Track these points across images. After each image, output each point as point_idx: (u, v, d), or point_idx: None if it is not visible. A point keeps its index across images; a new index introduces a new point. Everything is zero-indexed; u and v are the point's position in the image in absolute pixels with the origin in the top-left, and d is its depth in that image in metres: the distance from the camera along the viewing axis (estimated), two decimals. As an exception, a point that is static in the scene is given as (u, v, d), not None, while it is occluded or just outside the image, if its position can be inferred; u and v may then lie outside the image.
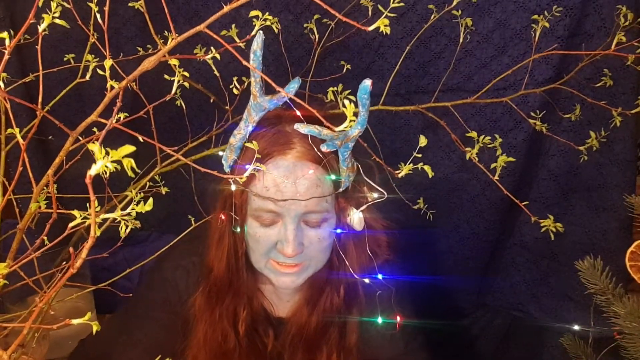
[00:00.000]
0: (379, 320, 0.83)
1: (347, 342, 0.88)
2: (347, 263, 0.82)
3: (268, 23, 0.79)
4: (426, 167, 0.67)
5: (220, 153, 0.80)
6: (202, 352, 0.87)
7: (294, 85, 0.67)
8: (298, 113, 0.53)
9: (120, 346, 0.90)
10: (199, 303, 0.87)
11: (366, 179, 0.77)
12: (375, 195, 0.76)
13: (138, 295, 0.93)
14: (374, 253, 0.83)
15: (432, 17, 1.04)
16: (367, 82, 0.62)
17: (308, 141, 0.74)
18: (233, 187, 0.71)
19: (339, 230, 0.81)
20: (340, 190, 0.78)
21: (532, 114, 1.04)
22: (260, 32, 0.63)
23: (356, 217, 0.79)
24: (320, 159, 0.74)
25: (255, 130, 0.75)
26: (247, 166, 0.72)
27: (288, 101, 0.48)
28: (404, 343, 0.91)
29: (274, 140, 0.75)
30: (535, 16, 0.99)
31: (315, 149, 0.74)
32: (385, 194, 0.74)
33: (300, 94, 0.91)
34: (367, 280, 0.80)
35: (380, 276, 0.80)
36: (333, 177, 0.76)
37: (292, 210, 0.74)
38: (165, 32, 0.95)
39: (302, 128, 0.68)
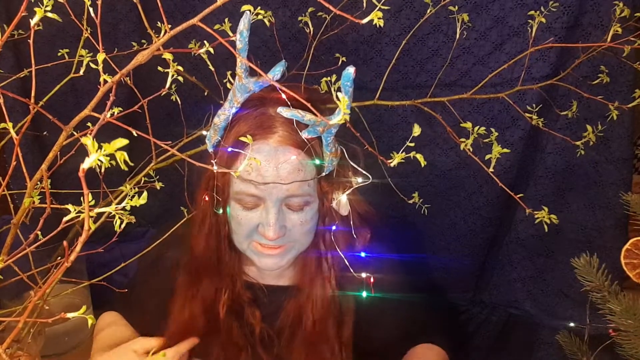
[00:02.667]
0: (364, 294, 0.83)
1: (347, 320, 0.88)
2: (334, 246, 0.82)
3: (260, 17, 0.79)
4: (418, 156, 0.67)
5: (205, 133, 0.80)
6: (173, 329, 0.88)
7: (279, 68, 0.66)
8: (283, 96, 0.52)
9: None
10: (179, 281, 0.89)
11: (351, 162, 0.76)
12: (360, 179, 0.76)
13: (129, 292, 0.94)
14: (359, 234, 0.83)
15: (429, 11, 1.04)
16: (350, 70, 0.62)
17: (291, 125, 0.74)
18: (215, 168, 0.71)
19: (334, 228, 0.81)
20: (323, 174, 0.78)
21: (529, 108, 1.04)
22: (247, 12, 0.63)
23: (342, 201, 0.79)
24: (303, 143, 0.74)
25: (239, 112, 0.75)
26: (229, 149, 0.73)
27: (273, 83, 0.48)
28: (405, 312, 0.92)
29: (256, 123, 0.75)
30: (532, 12, 0.99)
31: (299, 133, 0.73)
32: (370, 177, 0.74)
33: (296, 87, 0.91)
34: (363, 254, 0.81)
35: (363, 254, 0.81)
36: (316, 161, 0.75)
37: (273, 194, 0.74)
38: (159, 24, 0.94)
39: (285, 112, 0.67)
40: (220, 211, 0.79)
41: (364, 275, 0.81)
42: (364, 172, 0.75)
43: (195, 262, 0.86)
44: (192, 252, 0.86)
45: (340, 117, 0.66)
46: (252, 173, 0.73)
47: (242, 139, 0.67)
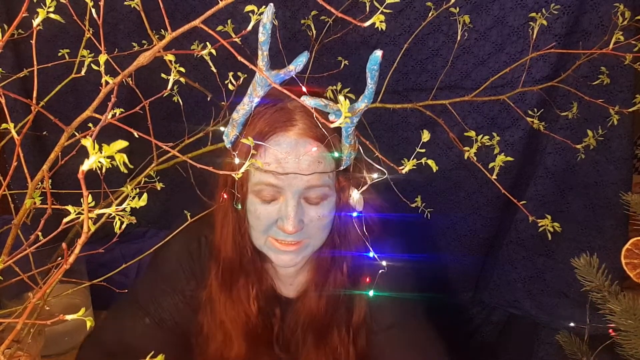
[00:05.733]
0: (370, 293, 0.84)
1: (355, 318, 0.89)
2: (348, 241, 0.82)
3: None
4: (430, 162, 0.67)
5: (222, 129, 0.80)
6: (234, 333, 0.87)
7: (301, 59, 0.66)
8: (304, 89, 0.52)
9: (143, 328, 0.90)
10: (214, 286, 0.87)
11: (366, 158, 0.76)
12: (375, 175, 0.75)
13: (152, 272, 0.93)
14: (371, 230, 0.83)
15: (430, 14, 1.04)
16: (378, 53, 0.61)
17: (310, 118, 0.74)
18: (237, 160, 0.71)
19: (354, 214, 0.81)
20: (341, 168, 0.78)
21: (530, 111, 1.04)
22: (271, 4, 0.62)
23: (357, 197, 0.79)
24: (323, 136, 0.74)
25: (258, 106, 0.75)
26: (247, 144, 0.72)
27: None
28: (410, 308, 0.92)
29: (275, 117, 0.75)
30: (533, 14, 0.99)
31: (319, 126, 0.73)
32: (386, 172, 0.74)
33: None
34: (371, 254, 0.80)
35: (372, 254, 0.80)
36: (335, 154, 0.75)
37: (293, 185, 0.74)
38: (162, 30, 0.94)
39: (308, 100, 0.67)
40: (240, 207, 0.79)
41: (382, 264, 0.81)
42: (380, 167, 0.75)
43: (226, 264, 0.85)
44: (221, 255, 0.85)
45: (363, 104, 0.67)
46: (271, 165, 0.73)
47: (244, 140, 0.67)
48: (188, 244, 0.91)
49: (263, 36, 0.64)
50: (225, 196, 0.81)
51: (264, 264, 0.89)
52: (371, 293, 0.84)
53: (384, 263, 0.80)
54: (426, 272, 1.02)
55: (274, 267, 0.89)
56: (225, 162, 0.80)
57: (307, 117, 0.74)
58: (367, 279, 0.86)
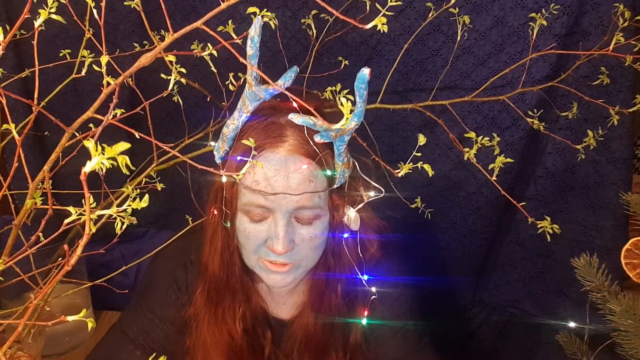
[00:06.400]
0: (364, 321, 0.82)
1: (352, 340, 0.87)
2: (343, 262, 0.80)
3: (266, 19, 0.78)
4: (426, 166, 0.67)
5: (213, 144, 0.78)
6: (214, 353, 0.85)
7: (290, 74, 0.64)
8: (294, 104, 0.51)
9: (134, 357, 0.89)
10: (199, 304, 0.86)
11: (363, 175, 0.74)
12: (372, 193, 0.74)
13: (139, 303, 0.91)
14: (368, 252, 0.81)
15: (430, 14, 1.04)
16: (365, 71, 0.60)
17: (302, 134, 0.71)
18: (224, 179, 0.69)
19: (346, 235, 0.79)
20: (335, 186, 0.75)
21: (530, 112, 1.04)
22: (259, 17, 0.61)
23: (352, 216, 0.77)
24: (315, 153, 0.71)
25: (249, 121, 0.73)
26: (238, 158, 0.71)
27: (284, 91, 0.47)
28: (414, 341, 0.90)
29: (266, 132, 0.72)
30: (533, 14, 0.99)
31: (310, 142, 0.70)
32: (383, 191, 0.73)
33: (297, 90, 0.91)
34: (365, 277, 0.79)
35: (365, 277, 0.79)
36: (327, 172, 0.73)
37: (282, 205, 0.71)
38: (162, 30, 0.94)
39: (296, 118, 0.64)
40: (229, 225, 0.77)
41: (377, 286, 0.79)
42: (377, 185, 0.73)
43: (212, 281, 0.83)
44: (208, 272, 0.83)
45: (353, 123, 0.66)
46: (260, 183, 0.71)
47: (244, 141, 0.66)
48: (174, 272, 0.89)
49: (251, 50, 0.62)
50: (214, 212, 0.79)
51: (255, 284, 0.87)
52: (364, 321, 0.83)
53: (373, 289, 0.79)
54: (426, 289, 1.03)
55: (267, 286, 0.87)
56: (214, 178, 0.78)
57: (299, 133, 0.71)
58: (364, 302, 0.84)
